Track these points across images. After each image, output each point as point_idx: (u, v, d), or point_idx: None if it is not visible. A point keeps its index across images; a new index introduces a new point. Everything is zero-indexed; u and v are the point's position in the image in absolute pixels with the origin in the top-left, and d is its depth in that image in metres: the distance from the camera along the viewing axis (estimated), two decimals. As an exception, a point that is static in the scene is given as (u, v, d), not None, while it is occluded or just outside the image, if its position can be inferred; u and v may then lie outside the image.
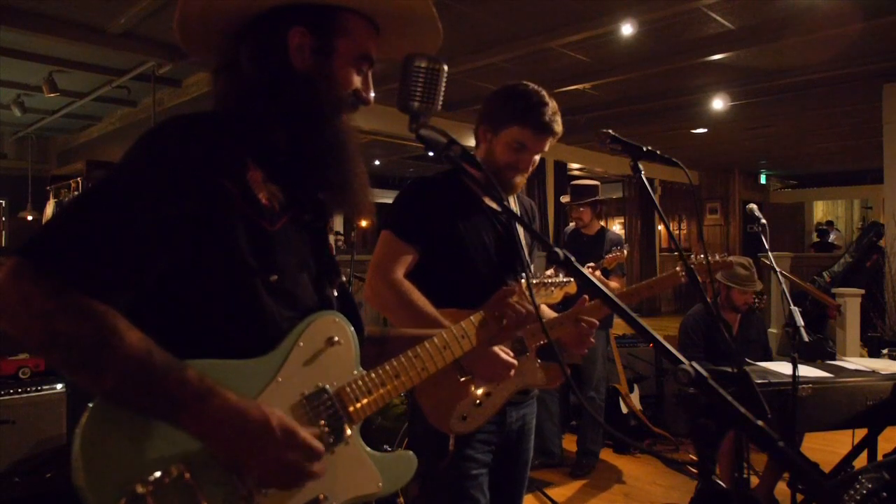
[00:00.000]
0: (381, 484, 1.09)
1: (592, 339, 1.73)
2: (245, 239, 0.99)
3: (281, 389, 0.99)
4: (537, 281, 1.64)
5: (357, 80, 1.13)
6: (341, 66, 1.10)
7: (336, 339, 1.08)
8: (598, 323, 1.75)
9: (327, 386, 1.05)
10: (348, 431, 1.06)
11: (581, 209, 4.21)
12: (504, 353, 1.51)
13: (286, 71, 1.07)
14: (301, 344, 1.04)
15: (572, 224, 4.40)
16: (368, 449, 1.10)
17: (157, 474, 0.86)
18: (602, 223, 4.38)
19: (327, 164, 1.10)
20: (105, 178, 0.95)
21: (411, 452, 1.16)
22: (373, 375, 1.11)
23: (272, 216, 1.04)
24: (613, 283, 3.80)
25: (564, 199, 4.43)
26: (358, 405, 1.07)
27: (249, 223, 1.00)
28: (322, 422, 1.02)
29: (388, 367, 1.13)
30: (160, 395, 0.88)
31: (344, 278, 1.23)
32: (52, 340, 0.85)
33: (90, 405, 0.87)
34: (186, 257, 0.95)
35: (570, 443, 4.49)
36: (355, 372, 1.10)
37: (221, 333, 0.99)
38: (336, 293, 1.19)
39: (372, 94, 1.16)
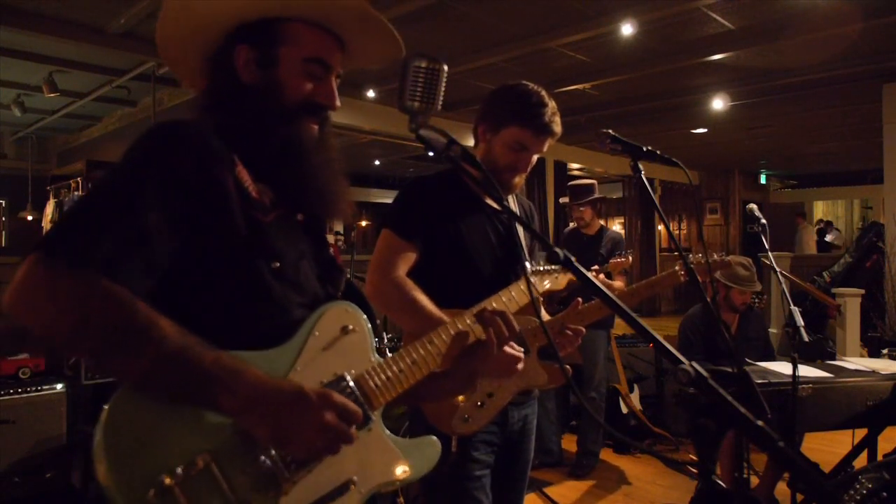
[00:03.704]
0: (407, 469, 1.10)
1: (579, 340, 1.74)
2: (244, 227, 1.02)
3: (299, 379, 1.00)
4: (541, 269, 1.65)
5: (309, 86, 1.14)
6: (288, 73, 1.12)
7: (350, 327, 1.09)
8: (584, 331, 1.75)
9: (346, 374, 1.05)
10: (371, 417, 1.07)
11: (582, 209, 4.22)
12: (510, 347, 1.51)
13: (234, 87, 1.12)
14: (316, 333, 1.05)
15: (572, 224, 4.39)
16: (392, 435, 1.10)
17: (184, 465, 0.85)
18: (602, 222, 4.38)
19: (285, 169, 1.12)
20: (110, 174, 0.96)
21: (434, 437, 1.16)
22: (390, 362, 1.11)
23: (264, 209, 1.07)
24: (618, 283, 3.78)
25: (564, 200, 4.43)
26: (378, 392, 1.08)
27: (244, 213, 1.03)
28: None
29: (403, 354, 1.14)
30: (197, 376, 0.88)
31: (348, 275, 1.24)
32: (84, 329, 0.85)
33: (109, 402, 0.86)
34: (192, 247, 0.97)
35: (570, 443, 4.49)
36: (372, 359, 1.10)
37: (235, 322, 1.01)
38: (342, 289, 1.21)
39: (336, 101, 1.17)
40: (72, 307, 0.84)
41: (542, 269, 1.66)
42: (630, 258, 3.64)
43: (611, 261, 3.74)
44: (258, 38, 1.11)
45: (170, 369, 0.87)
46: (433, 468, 1.15)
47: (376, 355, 1.12)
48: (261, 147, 1.11)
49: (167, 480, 0.83)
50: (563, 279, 1.70)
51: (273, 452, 0.93)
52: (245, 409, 0.90)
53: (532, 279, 1.67)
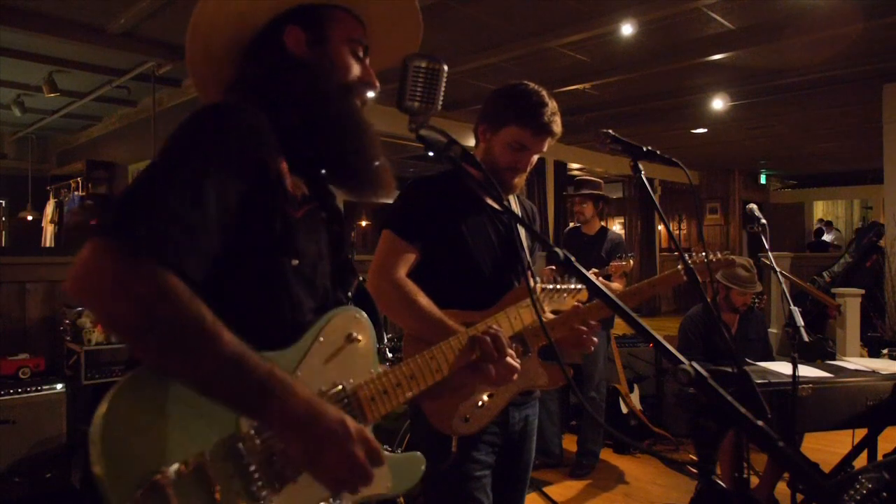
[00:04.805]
0: (390, 485, 1.10)
1: (595, 339, 1.72)
2: (276, 219, 1.02)
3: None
4: (550, 287, 1.65)
5: (357, 67, 1.18)
6: (338, 50, 1.16)
7: (355, 335, 1.09)
8: (597, 325, 1.74)
9: (344, 384, 1.05)
10: None
11: (583, 203, 4.20)
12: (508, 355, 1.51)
13: (287, 62, 1.13)
14: (321, 339, 1.05)
15: (572, 223, 4.38)
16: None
17: (177, 464, 0.85)
18: (603, 223, 4.36)
19: (343, 143, 1.13)
20: (172, 155, 0.95)
21: (419, 454, 1.16)
22: (389, 375, 1.11)
23: (296, 204, 1.06)
24: (616, 284, 3.78)
25: (568, 191, 4.43)
26: (373, 404, 1.07)
27: (279, 206, 1.02)
28: None
29: (403, 368, 1.13)
30: (252, 385, 0.88)
31: (361, 278, 1.24)
32: (150, 325, 0.84)
33: (110, 392, 0.85)
34: (229, 235, 0.96)
35: (570, 443, 4.49)
36: (372, 370, 1.10)
37: (247, 316, 0.99)
38: (352, 292, 1.21)
39: (377, 82, 1.20)
40: (139, 304, 0.83)
41: (550, 288, 1.65)
42: (632, 262, 3.63)
43: (612, 263, 3.73)
44: (307, 19, 1.15)
45: (226, 375, 0.87)
46: (419, 480, 1.15)
47: (377, 366, 1.11)
48: (312, 123, 1.11)
49: (159, 478, 0.83)
50: (570, 300, 1.68)
51: (264, 460, 0.92)
52: (289, 425, 0.89)
53: (540, 297, 1.67)
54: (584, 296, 1.68)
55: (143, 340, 0.85)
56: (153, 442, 0.85)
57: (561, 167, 9.63)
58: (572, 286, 1.65)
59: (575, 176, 7.84)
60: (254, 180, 0.98)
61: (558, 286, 1.65)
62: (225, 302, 0.96)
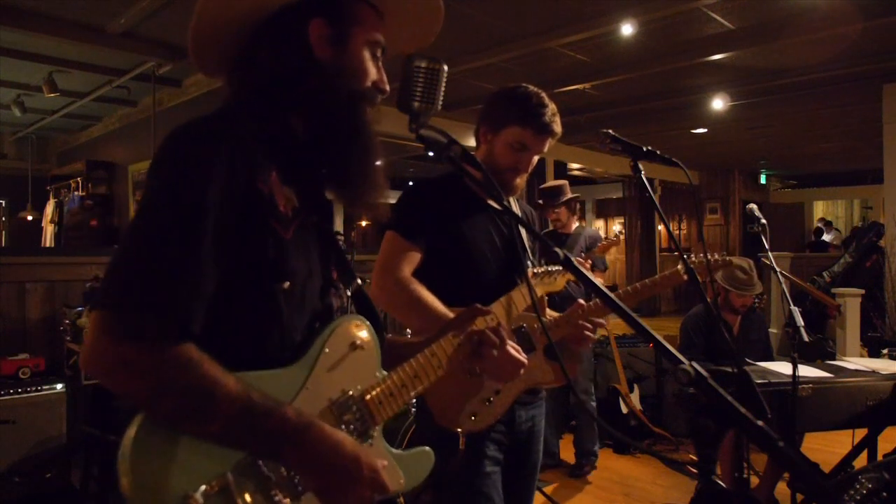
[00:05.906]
0: (402, 481, 1.12)
1: (594, 335, 1.73)
2: (267, 244, 0.99)
3: (310, 397, 1.01)
4: (541, 270, 1.67)
5: (373, 71, 1.13)
6: (359, 53, 1.11)
7: (359, 342, 1.10)
8: (601, 323, 1.75)
9: (351, 391, 1.06)
10: (372, 433, 1.08)
11: (556, 210, 4.24)
12: (514, 350, 1.51)
13: (310, 62, 1.08)
14: (327, 350, 1.06)
15: (551, 227, 4.43)
16: (390, 448, 1.12)
17: (205, 486, 0.87)
18: (580, 221, 4.41)
19: (349, 148, 1.11)
20: (155, 203, 0.92)
21: (428, 449, 1.17)
22: (394, 377, 1.12)
23: (286, 222, 1.03)
24: (597, 280, 3.84)
25: (539, 203, 4.49)
26: (381, 407, 1.09)
27: (271, 229, 1.00)
28: (351, 426, 1.04)
29: (407, 368, 1.14)
30: (265, 434, 0.92)
31: (359, 281, 1.23)
32: (158, 396, 0.87)
33: (138, 416, 0.87)
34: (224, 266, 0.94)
35: (569, 443, 4.50)
36: (377, 374, 1.12)
37: (238, 342, 0.99)
38: (351, 294, 1.20)
39: (388, 87, 1.16)
40: (145, 378, 0.86)
41: (539, 272, 1.68)
42: (620, 238, 3.69)
43: (599, 244, 3.84)
44: (333, 13, 1.09)
45: (238, 429, 0.90)
46: (431, 473, 1.17)
47: (381, 370, 1.12)
48: (321, 129, 1.09)
49: (189, 500, 0.85)
50: (561, 280, 1.72)
51: (284, 474, 0.94)
52: (304, 463, 0.94)
53: (533, 282, 1.69)
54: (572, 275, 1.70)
55: (156, 410, 0.87)
56: (180, 463, 0.88)
57: (561, 167, 9.63)
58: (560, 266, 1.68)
59: (569, 179, 7.84)
60: (245, 208, 0.95)
61: (548, 268, 1.69)
62: (214, 329, 0.94)
